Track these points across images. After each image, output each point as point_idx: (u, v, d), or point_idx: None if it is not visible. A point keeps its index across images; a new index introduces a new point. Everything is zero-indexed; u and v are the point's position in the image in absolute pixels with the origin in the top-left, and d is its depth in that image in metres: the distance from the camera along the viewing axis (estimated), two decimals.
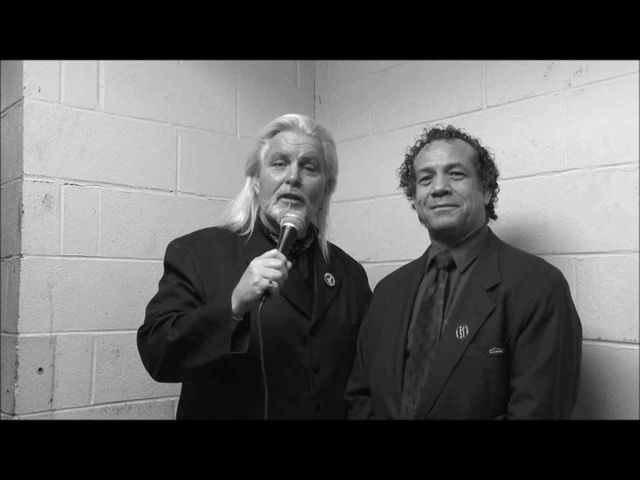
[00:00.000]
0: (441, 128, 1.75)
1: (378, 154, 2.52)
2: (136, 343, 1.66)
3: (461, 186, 1.65)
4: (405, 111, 2.42)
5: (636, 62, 1.79)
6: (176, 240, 1.78)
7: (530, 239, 2.02)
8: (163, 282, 1.73)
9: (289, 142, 1.71)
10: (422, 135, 1.78)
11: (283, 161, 1.70)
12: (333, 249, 1.89)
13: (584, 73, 1.91)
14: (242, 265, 1.64)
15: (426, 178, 1.70)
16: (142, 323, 1.65)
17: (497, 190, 1.77)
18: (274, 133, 1.76)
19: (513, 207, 2.05)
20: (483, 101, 2.18)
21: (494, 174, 1.75)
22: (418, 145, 1.78)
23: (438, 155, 1.68)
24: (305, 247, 1.77)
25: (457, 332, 1.54)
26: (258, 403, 1.49)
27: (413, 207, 1.80)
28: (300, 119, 1.74)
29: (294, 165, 1.69)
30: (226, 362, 1.49)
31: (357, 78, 2.62)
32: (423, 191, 1.70)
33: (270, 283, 1.44)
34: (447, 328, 1.56)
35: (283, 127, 1.74)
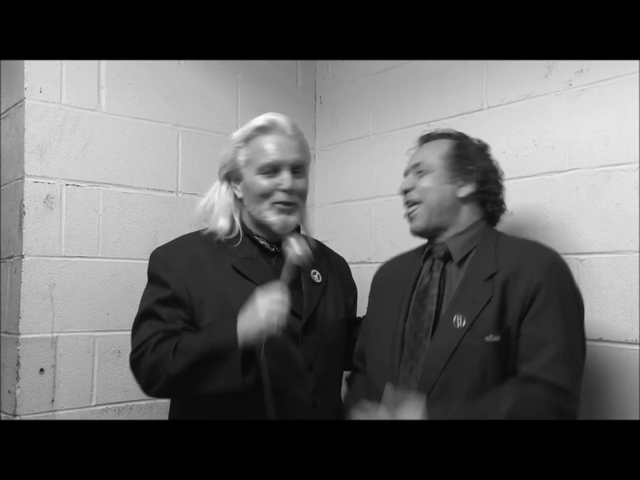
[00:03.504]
0: (426, 132, 1.77)
1: (379, 154, 2.51)
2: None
3: (421, 183, 1.67)
4: (406, 111, 2.42)
5: (636, 62, 1.78)
6: (159, 248, 1.75)
7: (531, 238, 2.01)
8: (148, 296, 1.69)
9: (274, 149, 1.66)
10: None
11: (272, 169, 1.67)
12: (316, 243, 1.88)
13: (585, 73, 1.91)
14: (227, 268, 1.65)
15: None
16: None
17: (484, 181, 1.69)
18: (251, 137, 1.69)
19: (514, 207, 2.04)
20: (483, 101, 2.18)
21: (474, 165, 1.67)
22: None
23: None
24: None
25: (453, 321, 1.53)
26: (260, 406, 1.51)
27: None
28: (277, 119, 1.70)
29: (285, 174, 1.67)
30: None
31: (357, 78, 2.62)
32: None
33: (276, 331, 1.49)
34: (444, 318, 1.56)
35: (261, 131, 1.69)
